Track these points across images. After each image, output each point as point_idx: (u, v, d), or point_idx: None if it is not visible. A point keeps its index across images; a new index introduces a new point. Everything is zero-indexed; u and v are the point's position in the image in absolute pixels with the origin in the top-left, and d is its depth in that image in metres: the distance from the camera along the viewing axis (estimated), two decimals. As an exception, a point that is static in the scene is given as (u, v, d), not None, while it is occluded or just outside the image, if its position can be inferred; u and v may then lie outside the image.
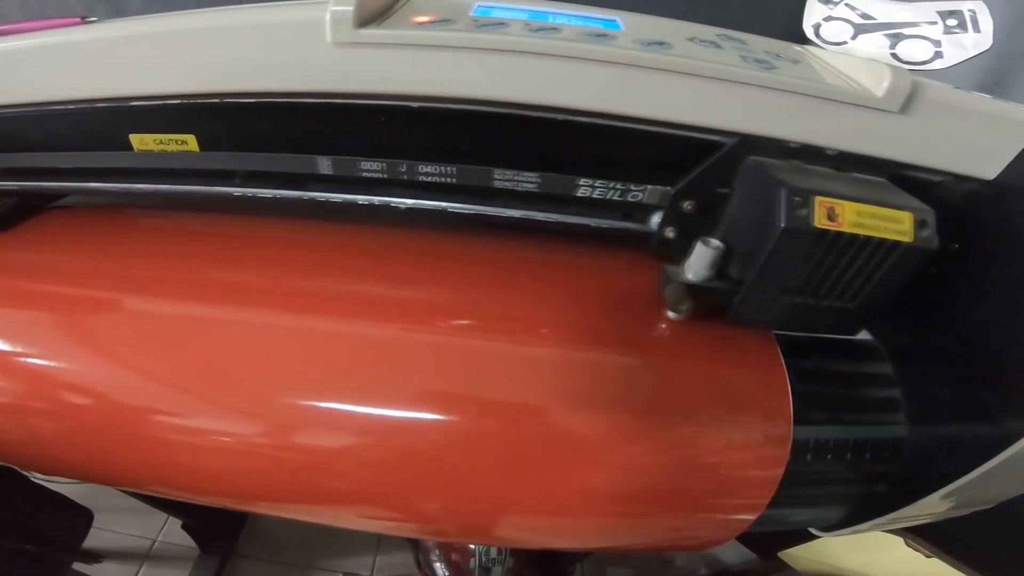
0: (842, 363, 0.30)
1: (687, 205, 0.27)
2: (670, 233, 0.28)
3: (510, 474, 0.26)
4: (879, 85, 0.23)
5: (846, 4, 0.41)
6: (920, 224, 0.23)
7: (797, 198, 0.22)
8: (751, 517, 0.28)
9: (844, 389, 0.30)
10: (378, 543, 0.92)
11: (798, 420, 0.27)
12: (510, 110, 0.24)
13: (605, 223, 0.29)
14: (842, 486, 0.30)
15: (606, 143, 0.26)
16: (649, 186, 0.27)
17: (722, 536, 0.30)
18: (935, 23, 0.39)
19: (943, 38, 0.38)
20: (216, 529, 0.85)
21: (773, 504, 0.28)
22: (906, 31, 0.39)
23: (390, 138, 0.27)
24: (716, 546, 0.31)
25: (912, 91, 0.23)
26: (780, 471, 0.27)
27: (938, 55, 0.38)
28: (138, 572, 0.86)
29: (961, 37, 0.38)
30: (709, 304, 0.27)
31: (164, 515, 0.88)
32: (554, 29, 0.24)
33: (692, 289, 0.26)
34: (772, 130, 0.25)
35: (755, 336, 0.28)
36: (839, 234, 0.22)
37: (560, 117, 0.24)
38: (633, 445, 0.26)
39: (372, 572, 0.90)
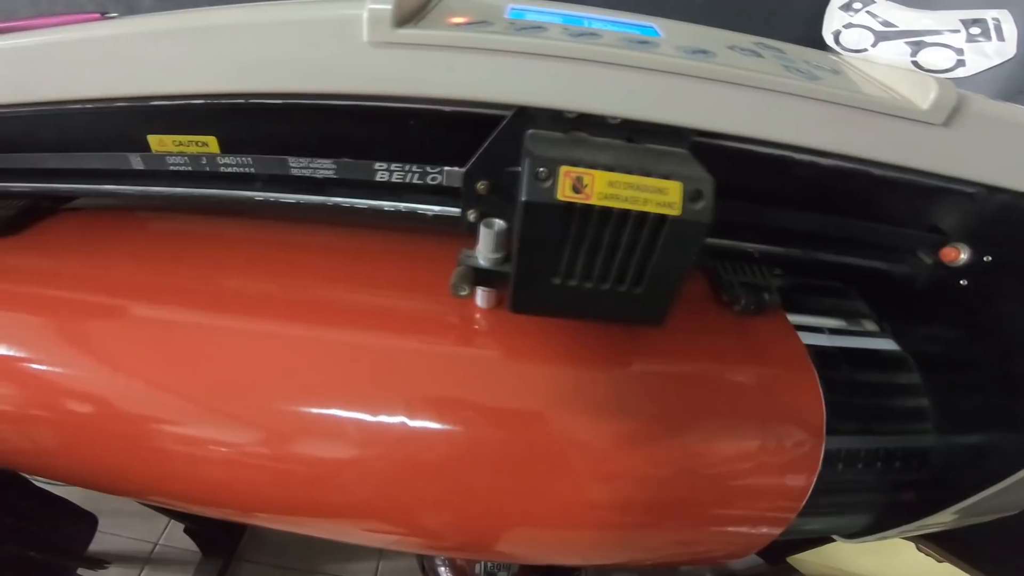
0: (872, 373, 0.30)
1: (481, 186, 0.25)
2: (472, 216, 0.26)
3: (539, 491, 0.26)
4: (924, 97, 0.23)
5: (867, 11, 0.40)
6: (692, 195, 0.20)
7: (542, 169, 0.20)
8: (780, 528, 0.28)
9: (874, 399, 0.30)
10: (381, 548, 0.91)
11: (830, 430, 0.27)
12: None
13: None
14: (870, 495, 0.30)
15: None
16: (446, 168, 0.26)
17: (750, 547, 0.29)
18: (958, 31, 0.39)
19: (965, 46, 0.38)
20: (218, 533, 0.84)
21: (802, 514, 0.28)
22: (928, 39, 0.38)
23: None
24: (742, 557, 0.31)
25: (957, 104, 0.23)
26: (811, 481, 0.27)
27: (960, 63, 0.38)
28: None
29: (984, 45, 0.38)
30: (503, 289, 0.25)
31: (166, 519, 0.87)
32: (593, 35, 0.24)
33: (482, 273, 0.25)
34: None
35: (788, 347, 0.28)
36: (587, 207, 0.20)
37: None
38: (664, 457, 0.26)
39: None
